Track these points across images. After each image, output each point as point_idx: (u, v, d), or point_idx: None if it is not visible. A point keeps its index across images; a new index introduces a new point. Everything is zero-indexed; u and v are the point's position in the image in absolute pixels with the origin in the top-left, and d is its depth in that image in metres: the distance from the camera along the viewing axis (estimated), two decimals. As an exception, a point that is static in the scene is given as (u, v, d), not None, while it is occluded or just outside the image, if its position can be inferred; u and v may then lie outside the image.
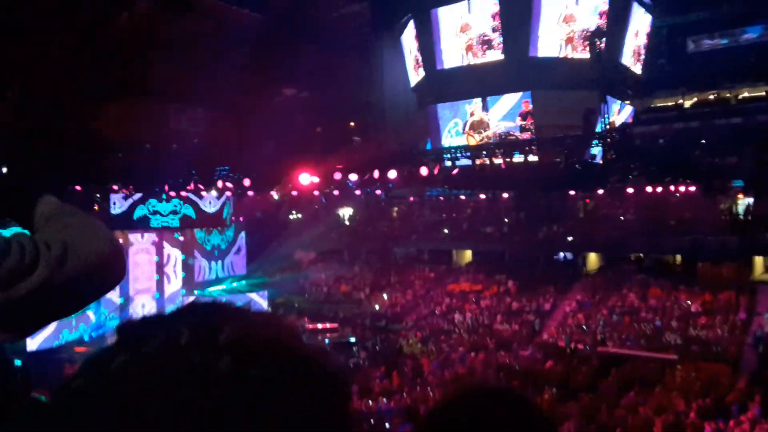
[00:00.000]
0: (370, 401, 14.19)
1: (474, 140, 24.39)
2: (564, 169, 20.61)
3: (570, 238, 24.97)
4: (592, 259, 24.71)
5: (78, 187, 19.50)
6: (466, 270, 26.58)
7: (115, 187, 20.99)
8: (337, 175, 20.41)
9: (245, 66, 21.23)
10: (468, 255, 27.87)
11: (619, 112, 21.84)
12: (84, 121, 19.37)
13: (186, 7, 20.58)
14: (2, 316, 1.06)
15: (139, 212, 22.07)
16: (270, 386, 0.54)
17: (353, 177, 20.58)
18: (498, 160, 23.07)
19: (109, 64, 18.67)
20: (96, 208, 20.60)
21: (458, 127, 24.38)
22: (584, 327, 19.46)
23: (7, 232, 1.20)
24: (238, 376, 0.52)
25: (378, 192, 23.70)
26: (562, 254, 25.86)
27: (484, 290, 24.03)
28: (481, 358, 17.36)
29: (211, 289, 23.54)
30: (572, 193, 23.11)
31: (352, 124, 26.65)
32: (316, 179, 20.55)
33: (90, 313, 20.31)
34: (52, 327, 18.17)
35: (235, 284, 24.44)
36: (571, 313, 20.85)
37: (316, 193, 22.75)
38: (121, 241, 21.46)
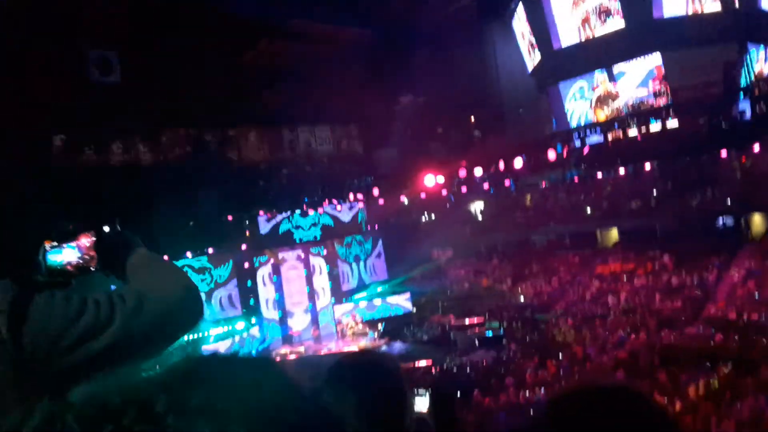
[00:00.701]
0: (526, 393, 13.97)
1: (603, 114, 23.19)
2: (709, 131, 18.92)
3: (728, 202, 22.75)
4: (757, 222, 22.29)
5: (229, 217, 21.35)
6: (614, 250, 25.19)
7: (261, 213, 22.75)
8: (462, 172, 20.37)
9: (363, 81, 21.99)
10: (614, 234, 26.39)
11: (766, 60, 19.63)
12: (227, 153, 21.20)
13: (301, 36, 21.83)
14: (86, 368, 1.14)
15: (284, 228, 23.96)
16: None
17: (479, 172, 20.43)
18: (633, 132, 21.70)
19: (240, 95, 20.24)
20: (246, 233, 22.50)
21: (584, 91, 23.32)
22: (756, 296, 17.63)
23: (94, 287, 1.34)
24: None
25: (507, 183, 23.31)
26: (721, 221, 23.63)
27: (638, 269, 22.60)
28: (642, 340, 16.38)
29: (357, 296, 24.57)
30: (724, 154, 21.09)
31: (472, 118, 26.47)
32: (441, 179, 20.69)
33: (256, 329, 22.14)
34: (226, 344, 20.05)
35: (379, 289, 25.31)
36: (740, 282, 18.98)
37: (444, 192, 22.89)
38: (272, 260, 23.17)
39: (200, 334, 19.45)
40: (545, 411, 1.06)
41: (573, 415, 1.00)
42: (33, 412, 1.13)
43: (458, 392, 13.46)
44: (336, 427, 0.66)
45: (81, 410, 0.57)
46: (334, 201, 23.21)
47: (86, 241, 1.48)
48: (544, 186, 28.15)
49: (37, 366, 1.13)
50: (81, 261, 1.46)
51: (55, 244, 1.45)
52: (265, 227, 23.48)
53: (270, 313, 23.19)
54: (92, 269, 1.48)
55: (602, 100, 23.21)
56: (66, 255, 1.45)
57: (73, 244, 1.47)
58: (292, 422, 0.59)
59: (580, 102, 23.51)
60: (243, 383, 0.61)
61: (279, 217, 23.55)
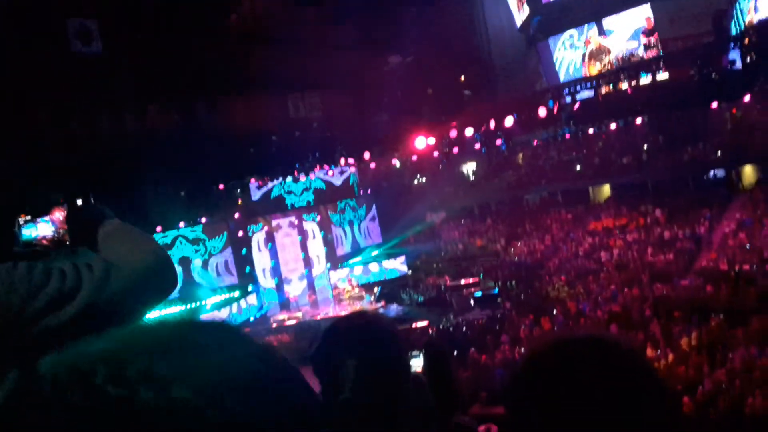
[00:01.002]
0: (522, 349, 14.20)
1: (596, 70, 23.02)
2: (700, 82, 18.82)
3: (719, 154, 22.80)
4: (748, 173, 22.39)
5: (221, 186, 21.18)
6: (606, 206, 25.33)
7: (252, 180, 22.61)
8: (453, 133, 20.23)
9: (351, 42, 21.59)
10: (606, 190, 26.51)
11: (756, 10, 19.43)
12: (216, 119, 20.90)
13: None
14: (56, 337, 1.12)
15: (276, 193, 24.01)
16: (190, 407, 0.54)
17: (469, 132, 20.28)
18: (623, 86, 21.58)
19: (227, 61, 19.87)
20: (239, 201, 22.42)
21: (574, 39, 23.12)
22: (748, 246, 17.83)
23: (69, 259, 1.29)
24: (156, 403, 0.54)
25: (498, 142, 23.22)
26: (712, 173, 23.74)
27: (630, 223, 22.76)
28: (635, 294, 16.61)
29: (352, 260, 24.68)
30: (715, 105, 21.03)
31: (462, 77, 26.15)
32: (432, 140, 20.55)
33: (253, 297, 22.29)
34: (224, 312, 20.16)
35: (374, 253, 25.42)
36: (732, 233, 19.17)
37: (435, 154, 22.81)
38: (266, 227, 23.12)
39: (197, 303, 19.56)
40: (523, 366, 1.06)
41: (549, 369, 1.00)
42: (3, 383, 1.11)
43: (455, 351, 13.67)
44: (295, 386, 0.64)
45: (56, 382, 0.57)
46: (326, 166, 23.07)
47: (59, 214, 1.48)
48: (535, 144, 28.11)
49: (2, 337, 1.10)
50: (55, 235, 1.46)
51: (28, 218, 1.45)
52: (256, 194, 23.42)
53: (266, 280, 23.31)
54: (67, 243, 1.47)
55: (594, 56, 23.01)
56: (40, 229, 1.45)
57: (47, 218, 1.46)
58: (242, 383, 0.58)
59: (569, 51, 23.31)
60: (188, 348, 0.61)
61: (270, 184, 23.46)
